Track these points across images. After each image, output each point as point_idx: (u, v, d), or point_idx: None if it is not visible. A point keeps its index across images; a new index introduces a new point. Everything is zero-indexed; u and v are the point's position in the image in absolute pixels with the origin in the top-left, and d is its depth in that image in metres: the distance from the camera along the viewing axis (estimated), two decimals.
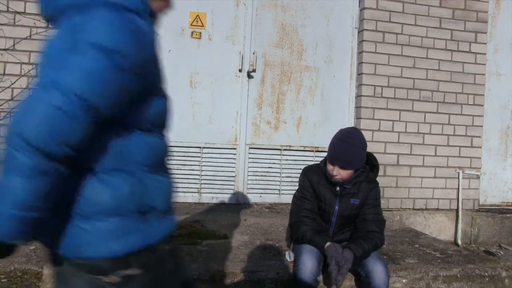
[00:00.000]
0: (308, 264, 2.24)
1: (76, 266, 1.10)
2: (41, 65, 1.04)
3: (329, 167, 2.38)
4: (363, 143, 2.38)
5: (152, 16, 1.17)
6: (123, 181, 1.09)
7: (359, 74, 4.42)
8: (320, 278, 2.40)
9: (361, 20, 4.40)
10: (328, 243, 2.29)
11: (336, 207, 2.45)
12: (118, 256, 1.07)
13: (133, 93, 1.05)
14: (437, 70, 4.45)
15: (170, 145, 1.26)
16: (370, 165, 2.51)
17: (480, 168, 4.57)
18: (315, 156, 4.43)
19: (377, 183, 2.53)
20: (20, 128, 0.91)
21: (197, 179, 4.24)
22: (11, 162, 0.91)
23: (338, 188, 2.45)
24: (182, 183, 4.18)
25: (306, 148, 4.48)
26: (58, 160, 0.94)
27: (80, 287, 1.12)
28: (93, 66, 0.96)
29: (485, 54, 4.59)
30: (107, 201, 1.06)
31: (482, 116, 4.58)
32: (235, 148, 4.33)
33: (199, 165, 4.23)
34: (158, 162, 1.19)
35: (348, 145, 2.32)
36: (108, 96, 0.99)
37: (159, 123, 1.18)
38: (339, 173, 2.35)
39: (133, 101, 1.07)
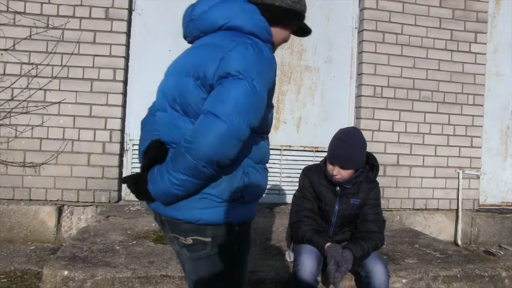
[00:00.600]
0: (308, 264, 2.24)
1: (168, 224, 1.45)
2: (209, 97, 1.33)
3: (329, 167, 2.38)
4: (363, 143, 2.38)
5: (272, 44, 1.48)
6: (236, 172, 1.38)
7: (359, 74, 4.43)
8: (320, 278, 2.40)
9: (361, 20, 4.40)
10: (328, 244, 2.29)
11: (336, 207, 2.45)
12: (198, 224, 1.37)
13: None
14: (437, 70, 4.45)
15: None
16: (370, 165, 2.50)
17: (480, 168, 4.58)
18: (315, 156, 4.44)
19: (377, 183, 2.53)
20: (208, 151, 1.24)
21: None
22: (193, 171, 1.27)
23: (338, 188, 2.45)
24: None
25: (306, 148, 4.48)
26: (225, 167, 1.32)
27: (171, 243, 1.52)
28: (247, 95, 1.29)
29: (485, 54, 4.60)
30: (224, 184, 1.37)
31: (482, 116, 4.59)
32: None
33: None
34: (263, 159, 1.49)
35: (348, 145, 2.32)
36: (258, 118, 1.33)
37: (266, 129, 1.49)
38: (339, 173, 2.34)
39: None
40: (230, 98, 1.26)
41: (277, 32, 1.49)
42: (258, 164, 1.46)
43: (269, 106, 1.44)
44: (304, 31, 1.60)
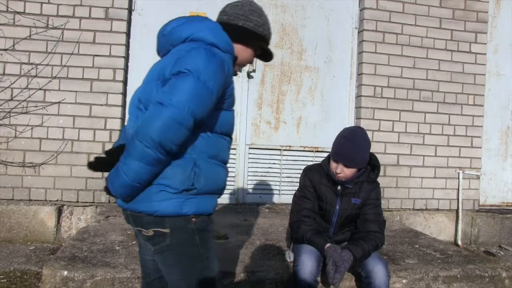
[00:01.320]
0: (308, 264, 2.24)
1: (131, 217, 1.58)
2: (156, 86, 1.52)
3: (333, 165, 2.38)
4: (368, 142, 2.39)
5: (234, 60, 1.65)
6: (187, 163, 1.50)
7: (359, 74, 4.42)
8: (320, 278, 2.40)
9: (361, 20, 4.40)
10: (328, 244, 2.29)
11: (337, 207, 2.45)
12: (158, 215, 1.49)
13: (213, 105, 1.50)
14: (437, 70, 4.45)
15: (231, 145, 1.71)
16: (372, 165, 2.50)
17: (480, 168, 4.57)
18: (315, 156, 4.43)
19: (378, 184, 2.53)
20: (152, 133, 1.37)
21: None
22: (140, 152, 1.40)
23: (339, 188, 2.45)
24: None
25: (306, 148, 4.47)
26: (170, 153, 1.43)
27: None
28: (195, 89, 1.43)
29: (485, 54, 4.59)
30: (177, 174, 1.49)
31: (482, 116, 4.58)
32: (235, 148, 4.32)
33: None
34: (218, 156, 1.60)
35: (353, 144, 2.32)
36: (203, 109, 1.46)
37: (226, 130, 1.63)
38: (343, 171, 2.35)
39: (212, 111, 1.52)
40: (175, 89, 1.43)
41: (240, 49, 1.68)
42: (212, 158, 1.58)
43: (227, 109, 1.60)
44: (267, 56, 1.80)
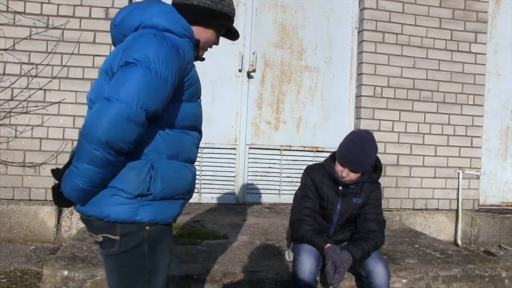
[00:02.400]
0: (307, 264, 2.24)
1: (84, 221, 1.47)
2: (106, 78, 1.39)
3: (339, 167, 2.38)
4: (376, 148, 2.39)
5: (195, 45, 1.51)
6: (142, 165, 1.37)
7: (359, 74, 4.42)
8: (319, 278, 2.40)
9: (361, 20, 4.40)
10: (328, 245, 2.29)
11: (338, 206, 2.46)
12: (109, 221, 1.37)
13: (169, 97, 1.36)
14: (437, 70, 4.45)
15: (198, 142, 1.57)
16: (373, 166, 2.51)
17: (480, 168, 4.58)
18: (315, 156, 4.43)
19: (379, 184, 2.54)
20: (98, 132, 1.23)
21: (197, 179, 4.22)
22: (89, 155, 1.26)
23: (341, 188, 2.45)
24: None
25: (306, 148, 4.47)
26: (122, 153, 1.30)
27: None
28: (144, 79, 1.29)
29: (485, 54, 4.60)
30: (131, 177, 1.36)
31: (482, 116, 4.58)
32: (235, 148, 4.33)
33: (199, 165, 4.23)
34: (180, 155, 1.47)
35: (362, 150, 2.31)
36: (156, 101, 1.31)
37: (190, 124, 1.49)
38: (349, 175, 2.35)
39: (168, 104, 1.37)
40: (121, 82, 1.28)
41: (199, 31, 1.53)
42: (173, 159, 1.44)
43: (189, 100, 1.46)
44: (232, 34, 1.65)
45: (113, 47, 4.25)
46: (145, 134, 1.35)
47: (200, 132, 1.58)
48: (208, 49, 1.65)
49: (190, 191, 1.52)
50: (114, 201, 1.35)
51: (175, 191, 1.44)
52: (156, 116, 1.34)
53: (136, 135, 1.29)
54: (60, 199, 1.39)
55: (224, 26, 1.60)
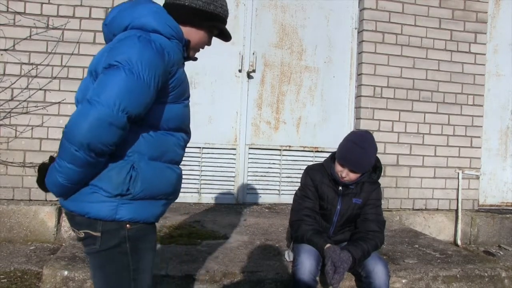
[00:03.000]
0: (307, 264, 2.24)
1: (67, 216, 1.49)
2: (89, 82, 1.40)
3: (338, 168, 2.38)
4: (375, 148, 2.39)
5: (185, 45, 1.51)
6: (123, 166, 1.39)
7: (358, 75, 4.43)
8: (319, 278, 2.40)
9: (361, 20, 4.40)
10: (327, 245, 2.29)
11: (338, 206, 2.46)
12: (90, 217, 1.39)
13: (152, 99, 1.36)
14: (436, 70, 4.46)
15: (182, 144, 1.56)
16: (373, 166, 2.51)
17: (479, 168, 4.58)
18: (315, 157, 4.44)
19: (379, 184, 2.55)
20: (79, 134, 1.26)
21: (197, 179, 4.24)
22: (70, 155, 1.29)
23: (340, 188, 2.46)
24: (182, 183, 4.16)
25: (306, 149, 4.48)
26: (103, 155, 1.32)
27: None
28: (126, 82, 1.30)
29: (484, 54, 4.60)
30: (112, 177, 1.38)
31: (482, 116, 4.59)
32: (235, 149, 4.33)
33: (199, 165, 4.23)
34: (163, 157, 1.47)
35: (362, 150, 2.32)
36: (138, 104, 1.32)
37: (176, 125, 1.49)
38: (348, 176, 2.35)
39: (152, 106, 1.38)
40: (103, 85, 1.29)
41: (190, 32, 1.52)
42: (155, 160, 1.45)
43: (175, 102, 1.46)
44: (225, 35, 1.64)
45: None
46: (128, 135, 1.36)
47: (186, 133, 1.58)
48: (201, 49, 1.63)
49: (174, 192, 1.54)
50: (95, 199, 1.38)
51: (157, 191, 1.45)
52: (139, 118, 1.35)
53: (117, 137, 1.30)
54: (43, 183, 1.44)
55: (216, 27, 1.59)
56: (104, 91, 1.28)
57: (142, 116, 1.36)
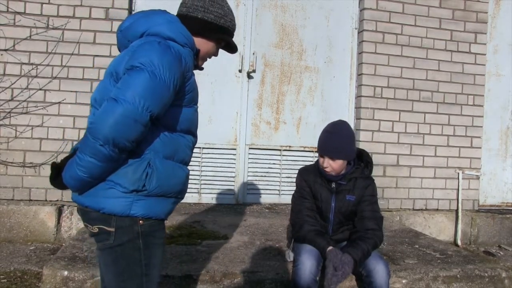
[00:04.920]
0: (308, 264, 2.24)
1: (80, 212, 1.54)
2: (111, 81, 1.48)
3: (320, 159, 2.43)
4: (350, 133, 2.43)
5: (195, 54, 1.62)
6: (140, 163, 1.45)
7: (359, 75, 4.43)
8: (319, 278, 2.40)
9: (361, 20, 4.40)
10: (329, 248, 2.29)
11: (333, 204, 2.46)
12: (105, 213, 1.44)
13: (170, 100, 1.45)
14: (437, 70, 4.46)
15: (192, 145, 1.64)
16: (365, 162, 2.52)
17: (480, 168, 4.58)
18: (315, 157, 4.43)
19: (373, 180, 2.54)
20: (105, 129, 1.32)
21: (197, 179, 4.24)
22: (93, 149, 1.35)
23: (333, 185, 2.46)
24: None
25: (306, 149, 4.48)
26: (125, 151, 1.39)
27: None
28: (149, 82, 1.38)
29: (485, 54, 4.60)
30: (129, 173, 1.44)
31: (482, 116, 4.59)
32: (235, 149, 4.33)
33: (199, 166, 4.23)
34: (175, 156, 1.55)
35: (334, 135, 2.37)
36: (159, 104, 1.41)
37: (186, 127, 1.58)
38: (330, 165, 2.37)
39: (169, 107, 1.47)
40: (128, 85, 1.37)
41: (200, 42, 1.64)
42: (169, 159, 1.52)
43: (187, 105, 1.56)
44: (231, 47, 1.75)
45: (113, 48, 4.26)
46: (147, 133, 1.43)
47: (195, 136, 1.66)
48: (208, 59, 1.74)
49: (182, 191, 1.60)
50: (110, 194, 1.43)
51: (169, 189, 1.52)
52: (157, 118, 1.42)
53: (140, 134, 1.38)
54: (56, 180, 1.50)
55: (224, 39, 1.70)
56: (129, 90, 1.36)
57: (161, 116, 1.44)
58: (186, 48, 1.55)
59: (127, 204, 1.44)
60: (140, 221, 1.47)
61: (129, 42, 1.56)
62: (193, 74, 1.57)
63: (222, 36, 1.68)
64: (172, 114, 1.51)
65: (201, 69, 1.73)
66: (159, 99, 1.39)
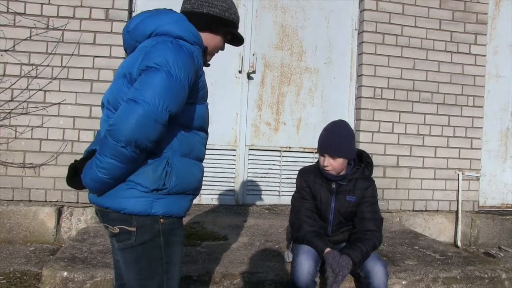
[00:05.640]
0: (306, 265, 2.24)
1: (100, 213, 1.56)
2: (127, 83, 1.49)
3: (320, 158, 2.43)
4: (350, 131, 2.43)
5: (204, 50, 1.63)
6: (159, 162, 1.47)
7: (359, 76, 4.43)
8: (317, 279, 2.40)
9: (361, 21, 4.40)
10: (327, 249, 2.29)
11: (332, 205, 2.46)
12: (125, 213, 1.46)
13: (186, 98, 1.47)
14: (437, 71, 4.46)
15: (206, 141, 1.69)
16: (365, 162, 2.52)
17: (479, 169, 4.57)
18: (315, 158, 4.43)
19: (373, 181, 2.54)
20: (127, 131, 1.34)
21: None
22: (114, 151, 1.36)
23: (334, 186, 2.46)
24: None
25: (306, 150, 4.47)
26: (146, 151, 1.41)
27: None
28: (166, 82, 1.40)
29: (484, 55, 4.60)
30: (148, 173, 1.45)
31: (482, 117, 4.59)
32: (235, 150, 4.33)
33: None
34: (191, 153, 1.58)
35: (333, 134, 2.38)
36: (177, 103, 1.43)
37: (199, 125, 1.61)
38: (330, 164, 2.38)
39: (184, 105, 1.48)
40: (146, 85, 1.39)
41: (208, 38, 1.65)
42: (185, 157, 1.55)
43: (199, 103, 1.59)
44: (237, 40, 1.77)
45: (113, 49, 4.25)
46: (165, 133, 1.45)
47: (207, 133, 1.69)
48: (215, 54, 1.76)
49: (199, 188, 1.63)
50: (130, 194, 1.45)
51: (187, 186, 1.54)
52: (174, 117, 1.44)
53: (160, 134, 1.41)
54: (73, 180, 1.52)
55: (230, 32, 1.72)
56: (148, 91, 1.37)
57: (178, 114, 1.46)
58: (196, 46, 1.56)
59: (148, 203, 1.45)
60: (161, 220, 1.49)
61: (137, 42, 1.57)
62: (204, 72, 1.60)
63: (228, 29, 1.69)
64: (187, 112, 1.53)
65: (208, 65, 1.74)
66: (177, 98, 1.41)
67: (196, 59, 1.50)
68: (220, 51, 1.77)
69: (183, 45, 1.47)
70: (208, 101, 1.72)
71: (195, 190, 1.60)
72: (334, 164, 2.38)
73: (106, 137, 1.38)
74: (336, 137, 2.37)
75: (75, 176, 1.50)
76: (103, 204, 1.49)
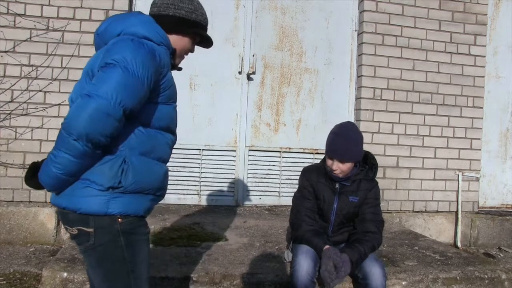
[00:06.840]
0: (305, 265, 2.24)
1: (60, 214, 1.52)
2: (87, 77, 1.51)
3: (329, 162, 2.40)
4: (359, 135, 2.42)
5: (172, 53, 1.64)
6: (115, 160, 1.45)
7: (358, 76, 4.43)
8: (316, 279, 2.40)
9: (361, 22, 4.41)
10: (326, 246, 2.29)
11: (335, 205, 2.46)
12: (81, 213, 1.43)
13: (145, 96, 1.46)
14: (436, 72, 4.46)
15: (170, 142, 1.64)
16: (369, 164, 2.52)
17: (479, 170, 4.58)
18: (315, 158, 4.44)
19: (377, 183, 2.54)
20: (79, 124, 1.32)
21: (197, 181, 4.24)
22: (67, 145, 1.35)
23: (337, 186, 2.46)
24: (182, 185, 4.18)
25: (306, 150, 4.48)
26: (99, 146, 1.38)
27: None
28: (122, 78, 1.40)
29: (484, 56, 4.60)
30: (104, 170, 1.43)
31: (482, 118, 4.59)
32: (234, 150, 4.33)
33: (199, 167, 4.23)
34: (152, 152, 1.55)
35: (344, 138, 2.35)
36: (133, 99, 1.41)
37: (164, 125, 1.58)
38: (339, 167, 2.36)
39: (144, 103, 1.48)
40: (102, 80, 1.39)
41: (176, 40, 1.67)
42: (145, 156, 1.53)
43: (165, 103, 1.57)
44: (206, 41, 1.78)
45: None
46: (121, 130, 1.43)
47: (174, 134, 1.67)
48: (185, 56, 1.77)
49: (161, 188, 1.60)
50: (86, 193, 1.43)
51: (146, 185, 1.52)
52: (132, 114, 1.43)
53: (114, 129, 1.38)
54: (31, 179, 1.50)
55: (198, 34, 1.73)
56: (102, 86, 1.37)
57: (136, 111, 1.44)
58: (162, 47, 1.57)
59: (104, 202, 1.43)
60: (119, 219, 1.46)
61: (105, 44, 1.57)
62: (170, 71, 1.60)
63: (196, 30, 1.70)
64: (149, 111, 1.52)
65: (179, 69, 1.75)
66: (133, 94, 1.40)
67: (158, 57, 1.49)
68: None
69: (144, 43, 1.48)
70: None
71: (156, 191, 1.56)
72: (343, 168, 2.37)
73: (60, 132, 1.37)
74: (347, 142, 2.34)
75: (34, 176, 1.48)
76: (61, 204, 1.47)
